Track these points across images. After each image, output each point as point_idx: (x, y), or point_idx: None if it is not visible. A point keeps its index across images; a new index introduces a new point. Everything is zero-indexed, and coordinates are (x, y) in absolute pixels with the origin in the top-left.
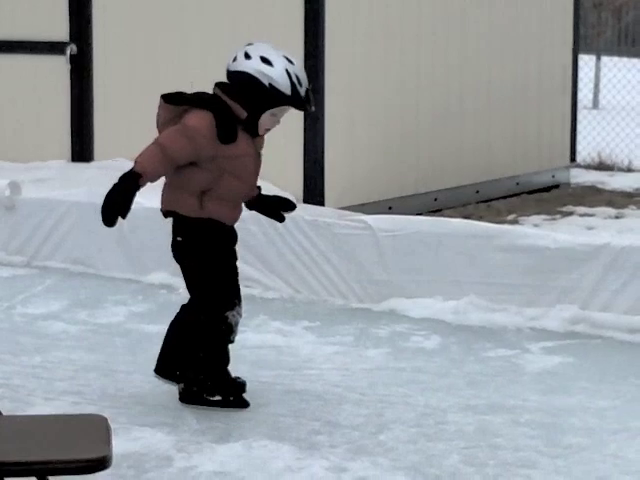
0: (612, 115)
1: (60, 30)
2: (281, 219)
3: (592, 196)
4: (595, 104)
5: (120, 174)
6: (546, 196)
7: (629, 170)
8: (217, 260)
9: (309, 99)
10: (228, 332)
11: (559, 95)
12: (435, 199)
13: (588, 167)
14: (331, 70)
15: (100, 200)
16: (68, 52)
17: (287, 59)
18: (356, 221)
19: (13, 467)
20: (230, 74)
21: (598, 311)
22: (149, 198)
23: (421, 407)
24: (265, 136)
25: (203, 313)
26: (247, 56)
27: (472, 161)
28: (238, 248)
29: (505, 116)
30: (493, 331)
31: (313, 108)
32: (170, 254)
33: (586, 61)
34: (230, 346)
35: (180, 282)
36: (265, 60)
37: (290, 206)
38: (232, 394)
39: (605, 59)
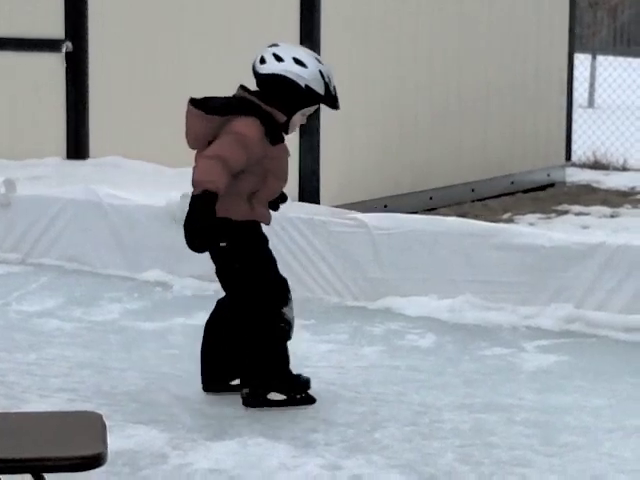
0: (607, 114)
1: (56, 27)
2: (276, 208)
3: (587, 195)
4: (591, 103)
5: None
6: (541, 195)
7: (624, 169)
8: (266, 259)
9: (337, 97)
10: (287, 328)
11: (555, 94)
12: (430, 197)
13: (583, 166)
14: None
15: (97, 198)
16: (64, 49)
17: (317, 59)
18: (352, 219)
19: (8, 464)
20: (262, 77)
21: (593, 310)
22: (146, 195)
23: (416, 405)
24: None
25: (260, 313)
26: (279, 58)
27: (468, 160)
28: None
29: (501, 115)
30: (488, 330)
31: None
32: (165, 251)
33: (582, 60)
34: None
35: (174, 279)
36: (298, 62)
37: (283, 197)
38: (298, 392)
39: (600, 58)
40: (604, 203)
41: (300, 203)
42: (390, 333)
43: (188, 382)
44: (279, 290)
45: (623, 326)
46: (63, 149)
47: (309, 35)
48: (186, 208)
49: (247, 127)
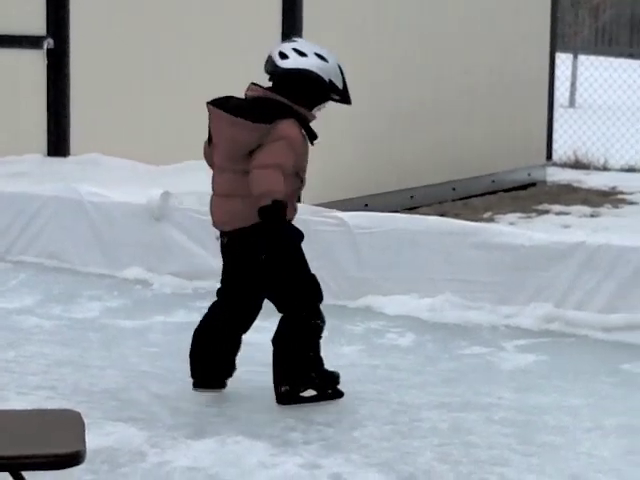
0: (588, 114)
1: (37, 24)
2: None
3: (568, 194)
4: (572, 103)
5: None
6: (522, 194)
7: (605, 169)
8: (302, 256)
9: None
10: (322, 325)
11: (536, 93)
12: (411, 196)
13: (564, 165)
14: None
15: (77, 196)
16: (45, 46)
17: (334, 54)
18: (332, 218)
19: None
20: (285, 72)
21: (572, 309)
22: (126, 193)
23: (395, 404)
24: None
25: (305, 312)
26: (301, 53)
27: (448, 159)
28: (212, 245)
29: (482, 114)
30: (468, 329)
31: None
32: (145, 249)
33: (563, 59)
34: None
35: (154, 277)
36: (320, 56)
37: None
38: (330, 387)
39: (582, 58)
40: (585, 203)
41: None
42: (370, 332)
43: (168, 380)
44: (316, 286)
45: (602, 326)
46: (44, 146)
47: (289, 30)
48: (166, 206)
49: (292, 130)
